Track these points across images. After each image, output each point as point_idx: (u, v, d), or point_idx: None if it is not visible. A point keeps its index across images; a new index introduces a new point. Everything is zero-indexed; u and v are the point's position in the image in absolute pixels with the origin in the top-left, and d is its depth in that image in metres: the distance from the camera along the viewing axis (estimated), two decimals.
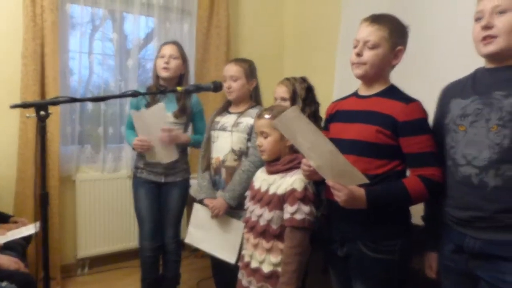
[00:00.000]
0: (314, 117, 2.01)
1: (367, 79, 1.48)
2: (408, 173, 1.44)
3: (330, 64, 3.31)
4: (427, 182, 1.34)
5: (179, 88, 1.87)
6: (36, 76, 2.67)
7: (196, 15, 3.37)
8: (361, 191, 1.33)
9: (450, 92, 1.39)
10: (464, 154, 1.26)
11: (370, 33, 1.42)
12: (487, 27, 1.22)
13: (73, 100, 1.60)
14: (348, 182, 1.33)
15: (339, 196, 1.33)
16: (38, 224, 1.54)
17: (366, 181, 1.28)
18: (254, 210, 1.63)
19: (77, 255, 3.00)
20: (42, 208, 1.42)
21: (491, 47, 1.22)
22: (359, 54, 1.43)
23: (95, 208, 3.04)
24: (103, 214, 3.08)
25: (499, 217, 1.18)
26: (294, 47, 3.87)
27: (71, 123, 2.98)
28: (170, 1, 3.29)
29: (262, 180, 1.66)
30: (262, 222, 1.57)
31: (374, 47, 1.41)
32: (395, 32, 1.43)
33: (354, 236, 1.45)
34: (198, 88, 1.95)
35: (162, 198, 2.39)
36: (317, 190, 1.60)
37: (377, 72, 1.45)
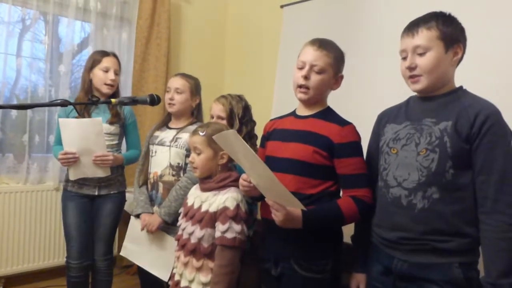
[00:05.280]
0: (249, 135, 2.03)
1: (309, 103, 1.51)
2: (341, 193, 1.48)
3: (269, 83, 3.39)
4: (359, 203, 1.38)
5: (113, 101, 1.79)
6: None
7: (135, 24, 3.29)
8: (298, 211, 1.35)
9: (386, 118, 1.45)
10: (395, 175, 1.32)
11: (317, 57, 1.44)
12: (411, 68, 1.30)
13: None
14: (285, 204, 1.34)
15: (277, 216, 1.34)
16: None
17: (303, 207, 1.31)
18: (186, 228, 1.60)
19: None
20: None
21: (418, 86, 1.30)
22: (306, 77, 1.45)
23: (15, 222, 2.81)
24: (24, 229, 2.85)
25: (425, 239, 1.24)
26: (234, 63, 3.91)
27: None
28: (108, 7, 3.19)
29: (196, 197, 1.64)
30: (193, 240, 1.55)
31: (320, 72, 1.45)
32: (338, 59, 1.49)
33: (288, 255, 1.46)
34: (133, 101, 1.88)
35: (94, 212, 2.26)
36: (250, 209, 1.61)
37: (318, 96, 1.49)
